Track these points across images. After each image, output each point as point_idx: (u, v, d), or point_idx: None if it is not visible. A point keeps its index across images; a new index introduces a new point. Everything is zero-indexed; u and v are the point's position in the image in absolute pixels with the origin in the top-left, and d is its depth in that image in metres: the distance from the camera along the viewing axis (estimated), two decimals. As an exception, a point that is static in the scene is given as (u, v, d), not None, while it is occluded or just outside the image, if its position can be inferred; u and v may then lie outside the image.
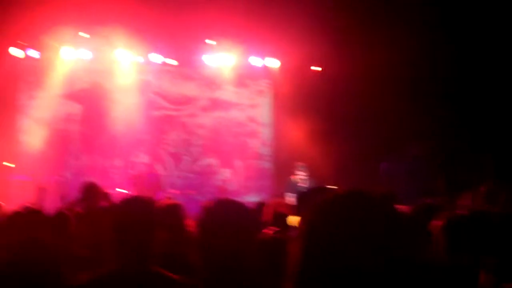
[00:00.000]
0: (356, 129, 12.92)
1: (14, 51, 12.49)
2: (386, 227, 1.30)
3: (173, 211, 3.81)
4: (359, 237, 1.27)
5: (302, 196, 3.50)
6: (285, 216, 4.74)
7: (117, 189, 11.53)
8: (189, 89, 13.98)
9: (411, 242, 1.33)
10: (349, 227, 1.29)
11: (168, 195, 11.61)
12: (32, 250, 3.03)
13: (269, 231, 4.01)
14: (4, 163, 10.11)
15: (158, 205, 3.87)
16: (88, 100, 13.33)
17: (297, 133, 12.62)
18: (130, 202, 3.03)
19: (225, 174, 13.81)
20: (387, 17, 11.54)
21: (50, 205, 7.90)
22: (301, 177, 10.91)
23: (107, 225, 3.04)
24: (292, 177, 11.13)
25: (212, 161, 13.81)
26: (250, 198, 13.37)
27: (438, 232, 3.59)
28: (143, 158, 12.83)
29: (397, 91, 11.92)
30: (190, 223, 5.76)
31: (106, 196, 6.96)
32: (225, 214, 2.53)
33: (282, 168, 12.21)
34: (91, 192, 6.34)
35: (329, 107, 12.95)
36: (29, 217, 4.66)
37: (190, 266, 3.59)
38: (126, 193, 11.21)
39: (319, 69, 13.59)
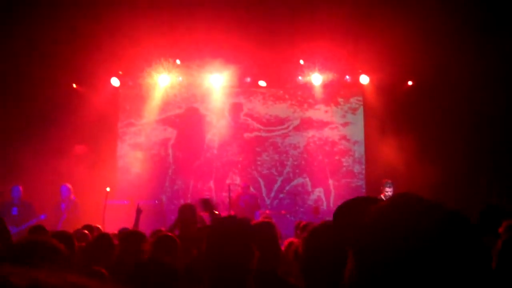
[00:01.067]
0: (455, 142, 12.47)
1: (114, 81, 13.16)
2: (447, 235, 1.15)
3: (266, 229, 3.84)
4: (418, 247, 1.13)
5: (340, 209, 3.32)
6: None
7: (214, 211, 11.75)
8: (280, 110, 14.10)
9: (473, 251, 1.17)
10: (408, 235, 1.14)
11: (263, 215, 11.73)
12: (156, 270, 3.17)
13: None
14: (107, 189, 10.58)
15: (252, 224, 3.92)
16: (183, 125, 13.78)
17: (390, 150, 12.37)
18: (226, 222, 3.09)
19: (318, 193, 13.74)
20: (481, 25, 11.14)
21: (147, 227, 8.21)
22: (388, 194, 10.66)
23: (204, 245, 3.12)
24: (380, 195, 10.92)
25: (304, 180, 13.80)
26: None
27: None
28: (236, 180, 13.05)
29: (496, 103, 11.44)
30: (283, 243, 5.81)
31: (202, 218, 7.10)
32: (331, 235, 2.45)
33: (375, 186, 11.96)
34: (188, 214, 6.47)
35: (423, 122, 12.63)
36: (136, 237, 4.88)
37: (282, 283, 3.62)
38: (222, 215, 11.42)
39: (411, 83, 13.30)
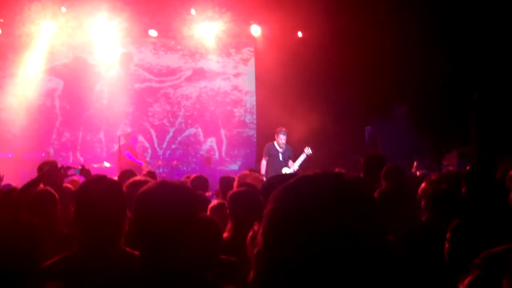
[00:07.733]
0: (339, 94, 12.98)
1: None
2: (359, 212, 1.19)
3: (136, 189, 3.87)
4: (331, 222, 1.15)
5: (270, 182, 3.53)
6: (250, 186, 4.85)
7: (105, 163, 11.62)
8: (172, 60, 13.93)
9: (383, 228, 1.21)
10: (321, 212, 1.16)
11: (153, 166, 11.74)
12: (14, 229, 3.13)
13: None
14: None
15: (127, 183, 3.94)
16: (70, 75, 13.27)
17: (280, 100, 12.65)
18: (95, 184, 3.09)
19: (210, 143, 13.89)
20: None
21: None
22: (282, 142, 10.95)
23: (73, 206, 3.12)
24: (271, 142, 11.20)
25: (196, 131, 13.86)
26: (235, 166, 13.54)
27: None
28: (127, 131, 12.86)
29: (380, 52, 11.95)
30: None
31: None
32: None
33: (265, 135, 12.24)
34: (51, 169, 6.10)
35: (312, 73, 12.98)
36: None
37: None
38: (109, 167, 11.33)
39: (301, 35, 13.55)
